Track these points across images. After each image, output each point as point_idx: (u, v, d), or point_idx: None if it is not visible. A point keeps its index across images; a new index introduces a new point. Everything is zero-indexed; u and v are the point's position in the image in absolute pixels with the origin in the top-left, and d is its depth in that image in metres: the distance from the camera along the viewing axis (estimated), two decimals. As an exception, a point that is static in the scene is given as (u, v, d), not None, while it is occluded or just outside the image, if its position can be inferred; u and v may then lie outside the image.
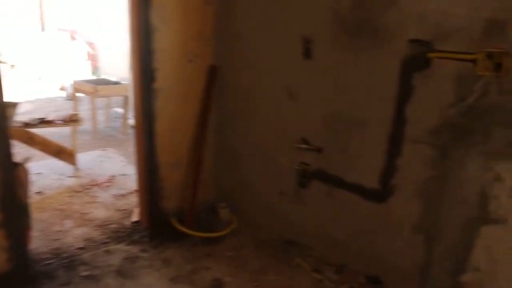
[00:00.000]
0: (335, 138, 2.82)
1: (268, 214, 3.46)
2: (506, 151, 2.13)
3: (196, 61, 3.47)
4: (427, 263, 2.56)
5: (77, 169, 5.02)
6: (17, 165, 2.89)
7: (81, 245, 3.45)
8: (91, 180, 4.79)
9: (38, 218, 3.73)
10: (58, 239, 3.54)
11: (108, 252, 3.34)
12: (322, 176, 2.98)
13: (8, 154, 2.65)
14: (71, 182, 4.77)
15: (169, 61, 3.34)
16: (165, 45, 3.27)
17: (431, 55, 2.28)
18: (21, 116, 4.99)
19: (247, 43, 3.26)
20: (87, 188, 4.66)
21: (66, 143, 5.14)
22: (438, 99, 2.30)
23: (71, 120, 5.09)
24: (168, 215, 3.65)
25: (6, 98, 2.50)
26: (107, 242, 3.52)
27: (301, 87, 2.96)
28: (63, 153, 5.05)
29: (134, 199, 4.08)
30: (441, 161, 2.36)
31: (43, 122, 5.04)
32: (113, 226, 3.87)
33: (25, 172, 3.10)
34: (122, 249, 3.38)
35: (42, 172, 4.95)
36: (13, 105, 4.82)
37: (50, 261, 3.20)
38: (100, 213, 4.04)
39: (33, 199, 3.81)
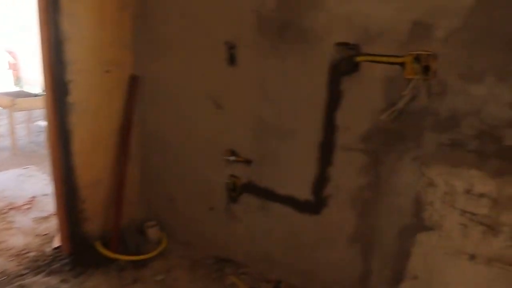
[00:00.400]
0: (265, 149, 2.67)
1: (200, 232, 3.26)
2: (437, 155, 2.06)
3: (114, 71, 3.22)
4: (365, 273, 2.46)
5: None
6: None
7: None
8: (8, 203, 4.38)
9: None
10: None
11: (22, 286, 3.00)
12: (253, 189, 2.82)
13: None
14: (-15, 206, 4.33)
15: (84, 72, 3.07)
16: (78, 54, 3.00)
17: (359, 58, 2.18)
18: None
19: (169, 50, 3.05)
20: (3, 212, 4.24)
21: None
22: (368, 104, 2.20)
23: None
24: (92, 239, 3.37)
25: None
26: (23, 275, 3.17)
27: (227, 96, 2.79)
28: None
29: (56, 222, 3.73)
30: (374, 168, 2.26)
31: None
32: (31, 254, 3.52)
33: None
34: (40, 282, 3.06)
35: None
36: None
37: None
38: (17, 241, 3.66)
39: None
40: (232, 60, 2.70)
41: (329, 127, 2.36)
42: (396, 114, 2.12)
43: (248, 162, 2.80)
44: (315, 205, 2.55)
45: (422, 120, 2.07)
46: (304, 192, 2.58)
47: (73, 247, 3.29)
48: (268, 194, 2.76)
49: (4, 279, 3.08)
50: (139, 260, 3.21)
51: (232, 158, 2.87)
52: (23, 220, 3.98)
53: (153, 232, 3.47)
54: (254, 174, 2.80)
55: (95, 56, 3.06)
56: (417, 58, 2.00)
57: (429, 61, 1.97)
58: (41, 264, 3.28)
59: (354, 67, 2.21)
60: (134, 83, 3.29)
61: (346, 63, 2.22)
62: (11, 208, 4.27)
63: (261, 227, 2.86)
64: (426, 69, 1.98)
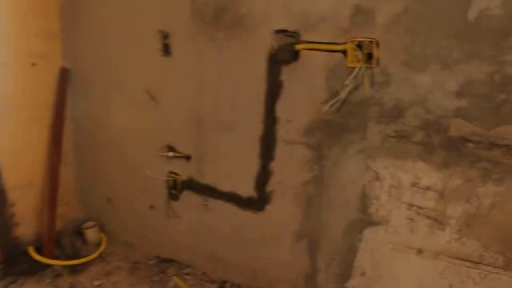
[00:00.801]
0: (204, 144, 2.51)
1: (141, 232, 3.07)
2: (383, 148, 1.96)
3: (41, 64, 2.96)
4: (312, 271, 2.36)
5: None
6: None
7: None
8: None
9: None
10: None
11: None
12: (194, 186, 2.66)
13: None
14: None
15: (5, 66, 2.79)
16: (-3, 44, 2.73)
17: (298, 46, 2.04)
18: None
19: (100, 40, 2.82)
20: None
21: None
22: (310, 95, 2.08)
23: None
24: (24, 244, 3.12)
25: None
26: None
27: (163, 88, 2.60)
28: None
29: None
30: (318, 162, 2.15)
31: None
32: None
33: None
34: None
35: None
36: None
37: None
38: None
39: None
40: (166, 50, 2.52)
41: (270, 119, 2.22)
42: (339, 105, 2.01)
43: (187, 158, 2.64)
44: (258, 201, 2.42)
45: (366, 111, 1.96)
46: (246, 188, 2.44)
47: (3, 254, 3.03)
48: (210, 191, 2.61)
49: None
50: (76, 264, 2.99)
51: (171, 154, 2.69)
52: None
53: (91, 234, 3.25)
54: (194, 170, 2.64)
55: (17, 48, 2.79)
56: (359, 46, 1.88)
57: (371, 48, 1.86)
58: (-31, 274, 3.00)
59: (294, 56, 2.08)
60: (64, 76, 3.05)
61: (285, 52, 2.08)
62: None
63: (204, 225, 2.71)
64: (368, 57, 1.87)
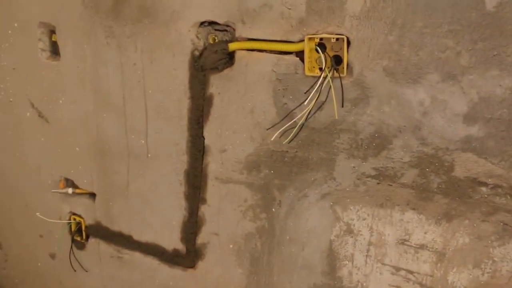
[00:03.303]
0: (110, 178, 1.84)
1: (42, 284, 2.35)
2: (357, 191, 1.36)
3: None
4: None
5: None
6: None
7: None
8: None
9: None
10: None
11: None
12: (102, 233, 1.98)
13: None
14: None
15: None
16: None
17: (232, 46, 1.39)
18: None
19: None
20: None
21: None
22: (252, 115, 1.44)
23: None
24: None
25: None
26: None
27: (52, 103, 1.89)
28: None
29: None
30: (266, 209, 1.52)
31: None
32: None
33: None
34: None
35: None
36: None
37: None
38: None
39: None
40: (53, 50, 1.80)
41: (196, 149, 1.58)
42: (296, 131, 1.37)
43: (92, 196, 1.94)
44: (187, 256, 1.78)
45: (334, 141, 1.35)
46: (171, 239, 1.79)
47: None
48: (123, 240, 1.94)
49: None
50: None
51: (69, 190, 1.98)
52: None
53: (-25, 290, 2.48)
54: (101, 213, 1.96)
55: None
56: (321, 45, 1.25)
57: (340, 49, 1.24)
58: None
59: (227, 60, 1.42)
60: None
61: (214, 54, 1.42)
62: None
63: (120, 282, 2.04)
64: (336, 62, 1.24)
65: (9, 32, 1.90)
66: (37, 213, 2.10)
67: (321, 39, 1.27)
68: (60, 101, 1.88)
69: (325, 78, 1.27)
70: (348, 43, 1.25)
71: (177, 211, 1.72)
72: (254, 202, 1.55)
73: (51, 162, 2.03)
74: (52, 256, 2.26)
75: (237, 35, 1.40)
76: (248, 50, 1.41)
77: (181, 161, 1.64)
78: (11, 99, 2.04)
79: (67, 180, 2.02)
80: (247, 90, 1.43)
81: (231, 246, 1.66)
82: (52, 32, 1.80)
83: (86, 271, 2.15)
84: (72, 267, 2.18)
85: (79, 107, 1.83)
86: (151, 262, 1.90)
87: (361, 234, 1.43)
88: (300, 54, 1.32)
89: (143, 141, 1.70)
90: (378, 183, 1.35)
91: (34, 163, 2.09)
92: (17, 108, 2.02)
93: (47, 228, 2.19)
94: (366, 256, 1.45)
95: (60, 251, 2.18)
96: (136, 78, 1.63)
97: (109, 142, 1.80)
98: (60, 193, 2.04)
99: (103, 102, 1.75)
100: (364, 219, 1.41)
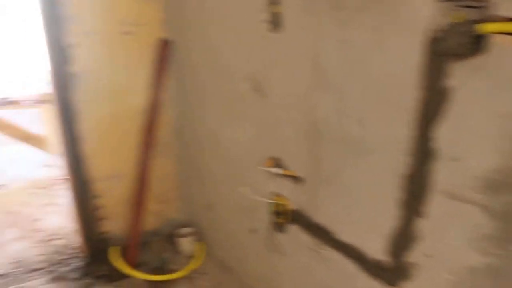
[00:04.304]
0: (320, 164, 1.67)
1: (239, 255, 2.40)
2: None
3: (136, 33, 2.38)
4: None
5: (53, 157, 4.04)
6: None
7: (2, 271, 2.66)
8: (56, 174, 3.83)
9: None
10: None
11: None
12: (304, 221, 1.85)
13: None
14: (41, 173, 3.94)
15: (93, 34, 2.27)
16: (83, 8, 2.18)
17: (486, 27, 1.04)
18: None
19: (200, 5, 2.10)
20: (54, 183, 3.78)
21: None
22: (503, 122, 1.08)
23: (42, 101, 4.11)
24: (110, 241, 2.66)
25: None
26: (32, 271, 2.65)
27: (270, 77, 1.80)
28: (33, 139, 4.16)
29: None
30: (506, 243, 1.16)
31: (8, 102, 4.15)
32: (58, 243, 2.99)
33: None
34: (38, 288, 2.44)
35: (16, 159, 4.22)
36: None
37: None
38: (52, 222, 3.21)
39: None
40: (275, 22, 1.68)
41: (422, 151, 1.28)
42: None
43: (298, 180, 1.81)
44: (391, 271, 1.51)
45: None
46: (375, 247, 1.55)
47: (89, 248, 2.67)
48: (324, 235, 1.77)
49: (13, 272, 2.65)
50: (160, 281, 2.43)
51: (276, 170, 1.88)
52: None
53: (185, 244, 2.66)
54: (306, 199, 1.82)
55: (108, 11, 2.22)
56: None
57: None
58: (56, 260, 2.74)
59: (476, 45, 1.09)
60: (164, 50, 2.41)
61: (459, 37, 1.10)
62: (58, 180, 3.72)
63: (312, 275, 1.90)
64: None
65: (245, 5, 1.84)
66: (241, 188, 2.06)
67: None
68: (278, 76, 1.76)
69: None
70: None
71: (388, 218, 1.47)
72: (489, 231, 1.20)
73: (263, 138, 1.95)
74: (252, 231, 2.23)
75: (491, 12, 1.05)
76: (509, 34, 1.05)
77: (402, 162, 1.36)
78: (231, 71, 2.00)
79: (275, 159, 1.91)
80: (502, 88, 1.08)
81: (448, 276, 1.34)
82: (274, 3, 1.67)
83: (282, 254, 2.05)
84: (269, 247, 2.10)
85: (296, 83, 1.69)
86: (350, 266, 1.70)
87: None
88: None
89: (359, 129, 1.47)
90: None
91: (247, 136, 2.04)
92: (237, 80, 1.99)
93: (250, 203, 2.15)
94: None
95: (260, 228, 2.13)
96: (358, 58, 1.39)
97: (322, 124, 1.62)
98: (267, 171, 1.96)
99: (320, 80, 1.57)
100: None
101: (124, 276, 2.50)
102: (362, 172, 1.53)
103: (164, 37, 2.42)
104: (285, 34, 1.66)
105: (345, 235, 1.68)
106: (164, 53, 2.42)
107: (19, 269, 2.68)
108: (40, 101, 4.13)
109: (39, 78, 4.84)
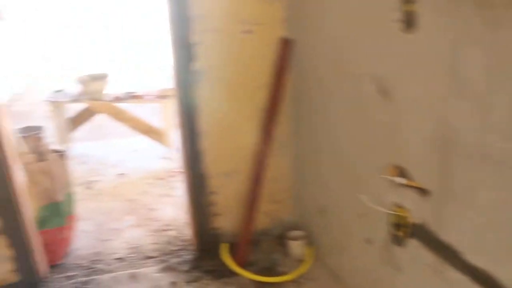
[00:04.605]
0: (453, 180, 1.53)
1: (352, 265, 2.31)
2: None
3: (258, 32, 2.38)
4: None
5: (170, 150, 4.29)
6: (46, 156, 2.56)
7: (120, 255, 2.85)
8: (178, 166, 4.00)
9: (104, 208, 3.42)
10: (107, 240, 3.04)
11: (133, 277, 2.60)
12: (426, 237, 1.71)
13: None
14: (159, 165, 4.16)
15: (216, 32, 2.31)
16: (208, 8, 2.23)
17: None
18: (111, 89, 4.41)
19: (327, 4, 2.04)
20: (171, 175, 3.97)
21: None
22: None
23: (163, 96, 4.34)
24: (221, 237, 2.71)
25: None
26: (146, 258, 2.81)
27: (398, 80, 1.70)
28: (152, 132, 4.40)
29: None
30: None
31: (133, 96, 4.42)
32: (171, 234, 3.13)
33: (60, 162, 2.72)
34: (150, 277, 2.60)
35: (138, 150, 4.51)
36: (102, 77, 4.36)
37: (71, 274, 2.65)
38: (167, 212, 3.37)
39: (113, 182, 3.83)
40: (408, 22, 1.57)
41: None
42: None
43: (424, 192, 1.69)
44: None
45: None
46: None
47: (200, 243, 2.74)
48: (448, 253, 1.62)
49: (129, 257, 2.81)
50: (266, 282, 2.42)
51: (400, 180, 1.77)
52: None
53: (295, 247, 2.63)
54: (431, 214, 1.68)
55: (231, 11, 2.25)
56: None
57: None
58: (169, 251, 2.87)
59: None
60: (285, 49, 2.39)
61: None
62: (175, 173, 3.91)
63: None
64: None
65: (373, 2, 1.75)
66: (360, 195, 1.97)
67: None
68: (408, 79, 1.64)
69: None
70: None
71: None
72: None
73: (387, 144, 1.84)
74: (368, 241, 2.12)
75: None
76: None
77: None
78: (356, 72, 1.92)
79: (399, 168, 1.80)
80: None
81: None
82: (408, 1, 1.55)
83: (399, 270, 1.92)
84: (384, 260, 1.99)
85: (428, 88, 1.56)
86: (479, 291, 1.53)
87: None
88: None
89: (504, 146, 1.31)
90: None
91: (370, 141, 1.94)
92: (361, 82, 1.89)
93: (368, 211, 2.05)
94: None
95: (377, 239, 2.02)
96: (509, 64, 1.24)
97: (457, 136, 1.48)
98: (389, 179, 1.84)
99: (458, 87, 1.43)
100: None
101: (232, 274, 2.52)
102: (504, 193, 1.36)
103: (284, 36, 2.38)
104: (420, 34, 1.54)
105: (475, 258, 1.53)
106: (285, 52, 2.39)
107: (134, 255, 2.83)
108: (161, 96, 4.33)
109: (161, 74, 5.11)
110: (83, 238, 3.00)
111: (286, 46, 2.39)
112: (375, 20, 1.73)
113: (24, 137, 2.61)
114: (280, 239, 2.73)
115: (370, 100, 1.87)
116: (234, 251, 2.61)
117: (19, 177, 2.36)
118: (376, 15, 1.72)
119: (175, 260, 2.74)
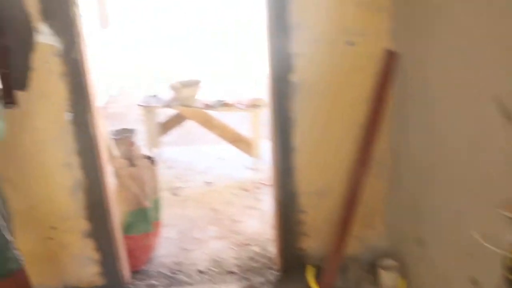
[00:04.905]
0: None
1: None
2: None
3: (360, 44, 2.22)
4: None
5: (258, 161, 4.21)
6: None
7: (201, 267, 2.79)
8: (265, 177, 3.90)
9: (189, 216, 3.40)
10: (189, 249, 2.99)
11: None
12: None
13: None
14: (245, 176, 4.09)
15: (316, 43, 2.18)
16: (309, 17, 2.11)
17: None
18: (203, 95, 4.43)
19: (438, 14, 1.85)
20: (257, 186, 3.88)
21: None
22: None
23: (254, 105, 4.29)
24: (307, 259, 2.57)
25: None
26: (228, 273, 2.74)
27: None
28: (240, 142, 4.37)
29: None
30: None
31: (224, 104, 4.42)
32: (253, 249, 3.02)
33: (150, 168, 2.73)
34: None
35: (225, 158, 4.46)
36: (194, 83, 4.40)
37: (152, 283, 2.64)
38: (251, 225, 3.27)
39: (199, 190, 3.82)
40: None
41: None
42: None
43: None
44: None
45: None
46: None
47: (284, 262, 2.64)
48: None
49: (210, 271, 2.76)
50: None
51: (519, 217, 1.54)
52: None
53: (387, 277, 2.43)
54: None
55: (333, 21, 2.12)
56: None
57: None
58: (250, 268, 2.77)
59: None
60: (389, 62, 2.22)
61: None
62: (267, 184, 3.72)
63: None
64: None
65: (495, 12, 1.54)
66: (472, 231, 1.74)
67: None
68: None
69: None
70: None
71: None
72: None
73: (507, 175, 1.61)
74: (474, 283, 1.88)
75: None
76: None
77: None
78: (473, 90, 1.71)
79: (520, 204, 1.56)
80: None
81: None
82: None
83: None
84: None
85: None
86: None
87: None
88: None
89: None
90: None
91: (487, 170, 1.72)
92: (479, 102, 1.68)
93: (475, 249, 1.81)
94: None
95: (485, 282, 1.78)
96: None
97: None
98: (507, 216, 1.61)
99: None
100: None
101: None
102: None
103: (389, 48, 2.21)
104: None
105: None
106: (389, 65, 2.21)
107: (215, 269, 2.76)
108: (252, 105, 4.27)
109: (253, 83, 5.06)
110: (166, 245, 2.98)
111: (390, 59, 2.21)
112: (502, 31, 1.52)
113: (117, 140, 2.63)
114: (370, 267, 2.54)
115: (490, 123, 1.65)
116: (320, 275, 2.45)
117: (111, 181, 2.37)
118: (503, 27, 1.50)
119: (258, 279, 2.63)
